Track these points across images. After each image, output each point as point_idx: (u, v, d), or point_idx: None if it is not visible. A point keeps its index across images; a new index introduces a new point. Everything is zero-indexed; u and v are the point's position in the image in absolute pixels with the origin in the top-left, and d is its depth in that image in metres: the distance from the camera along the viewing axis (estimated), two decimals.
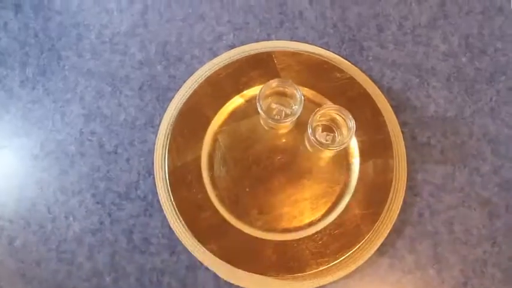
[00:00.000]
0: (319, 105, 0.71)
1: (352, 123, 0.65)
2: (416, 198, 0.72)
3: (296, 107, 0.66)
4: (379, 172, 0.70)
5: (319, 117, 0.67)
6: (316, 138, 0.65)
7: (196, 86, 0.73)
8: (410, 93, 0.75)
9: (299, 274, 0.68)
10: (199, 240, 0.69)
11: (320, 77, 0.73)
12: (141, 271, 0.71)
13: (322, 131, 0.70)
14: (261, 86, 0.66)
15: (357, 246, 0.69)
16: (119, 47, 0.77)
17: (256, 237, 0.70)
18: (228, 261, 0.69)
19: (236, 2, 0.79)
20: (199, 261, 0.70)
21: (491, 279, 0.70)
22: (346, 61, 0.76)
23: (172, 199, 0.70)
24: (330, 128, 0.70)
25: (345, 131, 0.68)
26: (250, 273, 0.69)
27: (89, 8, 0.79)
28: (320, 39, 0.77)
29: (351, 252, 0.69)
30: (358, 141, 0.71)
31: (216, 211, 0.70)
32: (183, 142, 0.72)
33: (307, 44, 0.77)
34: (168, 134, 0.73)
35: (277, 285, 0.70)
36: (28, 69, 0.77)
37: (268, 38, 0.77)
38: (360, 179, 0.70)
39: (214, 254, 0.69)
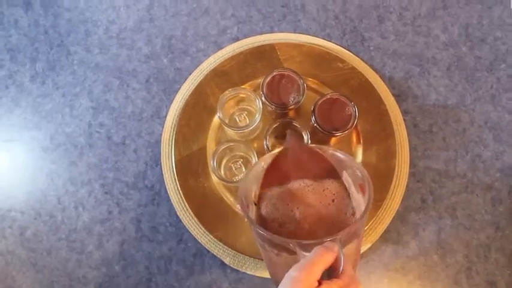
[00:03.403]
0: (321, 94, 0.72)
1: (354, 109, 0.66)
2: (419, 184, 0.73)
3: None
4: (382, 159, 0.71)
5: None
6: (319, 125, 0.66)
7: (201, 78, 0.75)
8: (411, 82, 0.76)
9: None
10: (206, 228, 0.70)
11: (322, 67, 0.75)
12: (149, 259, 0.72)
13: None
14: (264, 77, 0.68)
15: None
16: (126, 42, 0.79)
17: None
18: (234, 248, 0.70)
19: None
20: (206, 249, 0.71)
21: (494, 264, 0.71)
22: (348, 51, 0.78)
23: (179, 188, 0.72)
24: None
25: None
26: (256, 259, 0.70)
27: (97, 5, 0.81)
28: (322, 31, 0.79)
29: None
30: (361, 129, 0.72)
31: (222, 199, 0.72)
32: (189, 133, 0.73)
33: (309, 36, 0.78)
34: (174, 125, 0.74)
35: None
36: (38, 65, 0.79)
37: (271, 31, 0.79)
38: (363, 166, 0.71)
39: (221, 242, 0.70)
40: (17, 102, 0.78)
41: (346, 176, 0.52)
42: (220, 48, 0.79)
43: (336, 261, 0.43)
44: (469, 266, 0.71)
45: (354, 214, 0.50)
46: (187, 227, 0.72)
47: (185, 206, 0.72)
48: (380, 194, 0.70)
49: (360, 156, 0.72)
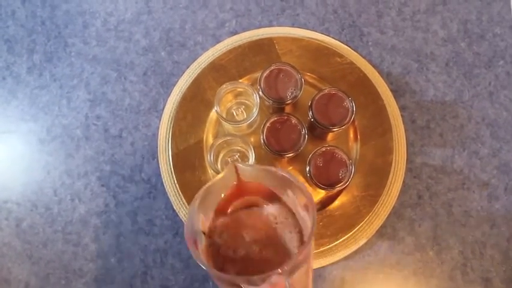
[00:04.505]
0: (319, 89, 0.72)
1: (352, 105, 0.66)
2: (415, 180, 0.73)
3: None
4: (379, 155, 0.71)
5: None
6: (316, 120, 0.66)
7: (199, 71, 0.75)
8: (409, 78, 0.76)
9: None
10: None
11: (320, 61, 0.74)
12: (145, 252, 0.72)
13: None
14: (261, 71, 0.68)
15: (357, 228, 0.70)
16: (124, 34, 0.79)
17: None
18: None
19: None
20: None
21: (490, 261, 0.71)
22: (346, 46, 0.77)
23: (175, 181, 0.72)
24: None
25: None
26: None
27: None
28: (321, 26, 0.78)
29: (351, 233, 0.70)
30: (358, 124, 0.72)
31: None
32: (186, 126, 0.73)
33: (308, 30, 0.78)
34: (171, 118, 0.74)
35: None
36: (35, 56, 0.79)
37: (270, 25, 0.79)
38: (360, 161, 0.71)
39: None
40: (14, 93, 0.78)
41: (291, 194, 0.53)
42: (218, 41, 0.78)
43: None
44: (464, 262, 0.71)
45: (300, 232, 0.52)
46: (183, 220, 0.72)
47: (181, 199, 0.72)
48: (376, 189, 0.70)
49: (356, 152, 0.72)
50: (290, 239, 0.52)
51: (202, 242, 0.52)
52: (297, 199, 0.52)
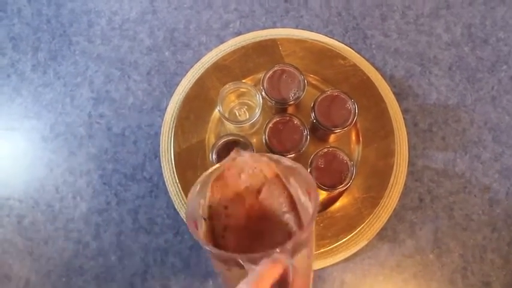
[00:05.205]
0: (322, 90, 0.72)
1: (354, 107, 0.66)
2: (417, 183, 0.73)
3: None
4: (381, 157, 0.71)
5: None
6: (319, 122, 0.66)
7: (202, 71, 0.75)
8: (412, 81, 0.76)
9: None
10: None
11: (324, 63, 0.75)
12: (145, 251, 0.72)
13: None
14: (264, 72, 0.68)
15: (358, 230, 0.70)
16: (128, 33, 0.79)
17: None
18: None
19: None
20: None
21: (490, 265, 0.71)
22: (350, 49, 0.77)
23: (177, 180, 0.72)
24: None
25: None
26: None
27: None
28: (324, 28, 0.79)
29: (352, 235, 0.70)
30: (360, 126, 0.72)
31: None
32: (188, 125, 0.73)
33: (311, 32, 0.78)
34: (174, 118, 0.75)
35: None
36: (40, 54, 0.79)
37: (274, 26, 0.79)
38: (361, 163, 0.72)
39: None
40: (18, 91, 0.78)
41: (292, 182, 0.54)
42: (222, 42, 0.79)
43: (285, 273, 0.43)
44: (464, 266, 0.71)
45: (298, 216, 0.52)
46: (184, 219, 0.72)
47: (183, 198, 0.72)
48: (378, 192, 0.70)
49: (358, 154, 0.72)
50: (287, 219, 0.52)
51: (203, 228, 0.52)
52: (299, 186, 0.52)
